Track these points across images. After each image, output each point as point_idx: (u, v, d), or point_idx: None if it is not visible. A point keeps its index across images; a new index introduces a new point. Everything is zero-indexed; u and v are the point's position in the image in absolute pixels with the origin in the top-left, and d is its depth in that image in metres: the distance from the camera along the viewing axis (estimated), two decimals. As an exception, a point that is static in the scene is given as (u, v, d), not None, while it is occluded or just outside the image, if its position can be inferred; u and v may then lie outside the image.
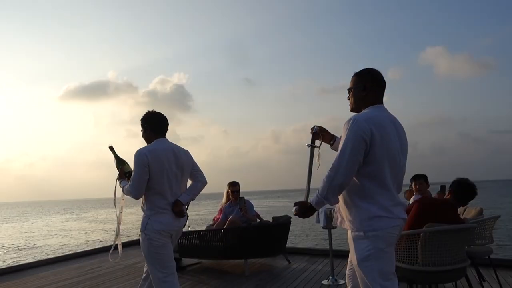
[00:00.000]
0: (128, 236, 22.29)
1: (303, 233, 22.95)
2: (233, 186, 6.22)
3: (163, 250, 3.04)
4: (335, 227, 4.95)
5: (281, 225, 6.07)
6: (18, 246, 23.27)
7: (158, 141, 3.11)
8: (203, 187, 3.35)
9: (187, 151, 3.24)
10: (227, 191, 6.43)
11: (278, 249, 6.06)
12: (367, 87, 2.39)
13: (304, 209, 2.34)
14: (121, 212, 3.24)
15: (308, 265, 6.01)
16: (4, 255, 20.14)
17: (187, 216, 3.29)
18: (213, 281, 5.26)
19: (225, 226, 5.84)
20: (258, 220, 6.25)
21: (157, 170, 2.97)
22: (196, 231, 6.01)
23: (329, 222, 4.87)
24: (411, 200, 4.62)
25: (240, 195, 6.20)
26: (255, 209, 6.48)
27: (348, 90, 2.50)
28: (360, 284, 2.31)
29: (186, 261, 6.36)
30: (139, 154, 2.97)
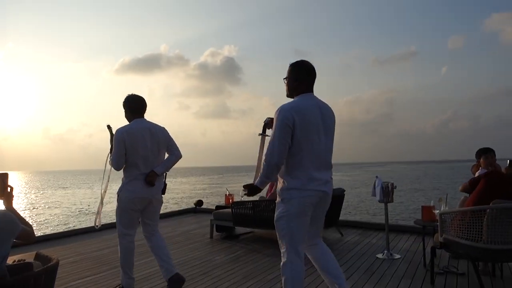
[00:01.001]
0: (186, 204, 23.14)
1: (355, 207, 22.70)
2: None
3: (128, 215, 3.66)
4: (391, 201, 4.83)
5: (335, 197, 5.98)
6: (85, 210, 24.97)
7: (136, 121, 3.63)
8: (177, 160, 3.82)
9: (163, 128, 3.73)
10: None
11: (331, 222, 6.01)
12: (299, 78, 2.79)
13: (252, 189, 2.83)
14: (108, 181, 3.83)
15: (362, 239, 5.94)
16: (73, 218, 21.71)
17: (165, 185, 3.81)
18: (266, 250, 5.34)
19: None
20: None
21: (132, 146, 3.51)
22: (249, 201, 6.09)
23: (385, 195, 4.74)
24: (476, 174, 4.36)
25: None
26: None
27: (283, 79, 2.88)
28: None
29: (239, 230, 6.50)
30: (117, 133, 3.53)
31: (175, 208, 18.26)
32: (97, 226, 3.95)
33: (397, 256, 4.84)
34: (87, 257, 5.08)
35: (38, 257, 1.89)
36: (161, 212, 10.72)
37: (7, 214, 1.76)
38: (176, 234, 6.54)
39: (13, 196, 1.97)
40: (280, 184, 2.76)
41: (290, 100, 2.82)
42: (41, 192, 50.41)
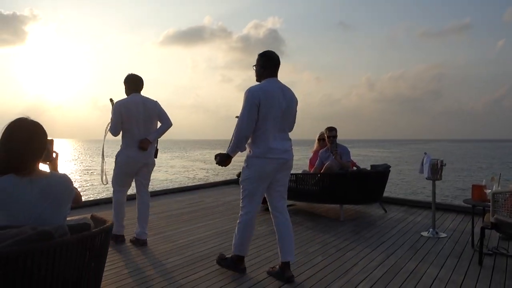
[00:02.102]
0: (229, 175, 23.52)
1: (396, 184, 22.24)
2: (330, 131, 6.12)
3: (123, 175, 4.34)
4: (440, 179, 4.67)
5: (380, 173, 5.88)
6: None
7: (133, 95, 4.26)
8: (168, 128, 4.40)
9: (156, 102, 4.32)
10: (319, 139, 6.41)
11: (375, 198, 5.93)
12: (265, 66, 3.32)
13: (223, 158, 3.32)
14: (103, 144, 4.49)
15: (406, 216, 5.82)
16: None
17: (157, 150, 4.45)
18: (308, 223, 5.36)
19: (321, 171, 5.84)
20: (355, 168, 6.12)
21: (127, 117, 4.14)
22: (292, 174, 6.10)
23: (434, 173, 4.58)
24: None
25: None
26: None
27: (253, 66, 3.40)
28: None
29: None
30: (115, 105, 4.18)
31: (218, 179, 18.63)
32: (105, 183, 4.50)
33: (443, 235, 4.71)
34: (134, 222, 5.30)
35: (93, 218, 1.99)
36: (204, 182, 10.94)
37: (66, 178, 1.86)
38: (219, 204, 6.68)
39: (57, 161, 2.05)
40: (246, 152, 3.34)
41: (258, 83, 3.35)
42: (90, 159, 52.87)
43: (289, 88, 3.36)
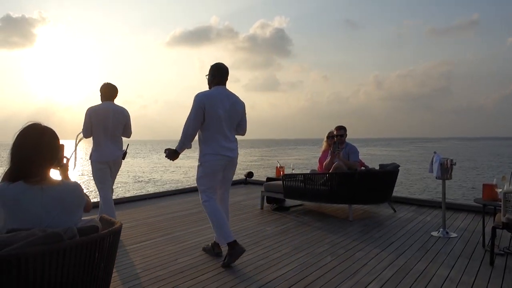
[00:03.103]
0: (237, 176, 23.49)
1: (408, 183, 22.09)
2: (338, 130, 6.10)
3: (100, 172, 4.63)
4: (450, 178, 4.63)
5: (389, 172, 5.85)
6: (140, 178, 26.14)
7: (104, 103, 4.68)
8: (127, 138, 4.90)
9: (124, 110, 4.77)
10: (328, 138, 6.40)
11: (384, 197, 5.89)
12: (214, 75, 3.83)
13: (171, 152, 3.85)
14: (77, 144, 4.67)
15: (415, 215, 5.78)
16: (129, 186, 22.82)
17: (125, 153, 4.82)
18: (317, 223, 5.34)
19: (330, 171, 5.82)
20: (363, 168, 6.09)
21: (96, 121, 4.57)
22: (301, 174, 6.08)
23: (444, 172, 4.54)
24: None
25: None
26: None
27: (206, 75, 3.90)
28: None
29: (290, 202, 6.53)
30: (87, 111, 4.60)
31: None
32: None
33: (454, 235, 4.67)
34: (143, 223, 5.33)
35: (102, 220, 1.99)
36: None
37: (77, 186, 1.86)
38: (227, 204, 6.69)
39: (68, 167, 2.04)
40: (198, 151, 3.82)
41: (206, 90, 3.85)
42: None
43: (235, 95, 3.88)
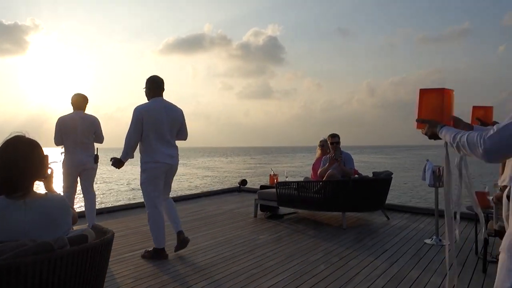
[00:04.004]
0: (230, 183, 23.45)
1: (401, 191, 22.18)
2: (332, 138, 6.12)
3: (71, 176, 4.92)
4: (442, 186, 4.65)
5: (382, 180, 5.87)
6: (135, 187, 26.00)
7: (74, 112, 4.98)
8: (100, 143, 5.16)
9: (94, 119, 5.04)
10: (321, 145, 6.42)
11: (377, 205, 5.90)
12: (151, 87, 4.15)
13: (116, 161, 4.11)
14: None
15: (409, 223, 5.79)
16: (124, 194, 22.68)
17: (96, 156, 5.06)
18: (311, 231, 5.33)
19: (323, 179, 5.82)
20: (356, 176, 6.11)
21: (66, 130, 4.83)
22: (294, 181, 6.08)
23: (436, 180, 4.57)
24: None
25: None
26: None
27: (143, 88, 4.19)
28: None
29: (283, 210, 6.52)
30: (57, 121, 4.89)
31: (220, 187, 18.60)
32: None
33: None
34: (137, 231, 5.29)
35: (94, 229, 1.98)
36: (206, 190, 10.92)
37: (62, 200, 1.81)
38: (220, 213, 6.66)
39: (52, 178, 1.97)
40: (141, 159, 4.10)
41: (144, 102, 4.16)
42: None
43: (172, 104, 4.20)
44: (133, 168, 47.49)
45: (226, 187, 10.23)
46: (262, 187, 7.00)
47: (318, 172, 6.09)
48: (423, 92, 1.89)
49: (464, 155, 1.57)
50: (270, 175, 7.41)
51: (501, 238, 3.64)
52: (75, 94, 5.05)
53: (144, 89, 4.18)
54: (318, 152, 6.53)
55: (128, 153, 4.08)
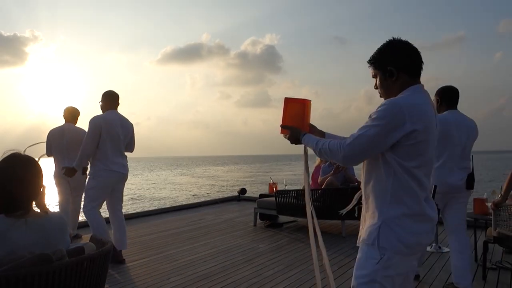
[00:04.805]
0: (230, 192, 23.40)
1: (401, 198, 22.10)
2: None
3: (61, 186, 5.20)
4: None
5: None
6: (135, 196, 25.94)
7: (64, 124, 5.30)
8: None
9: (81, 131, 5.14)
10: None
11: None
12: (106, 101, 4.39)
13: (69, 170, 4.30)
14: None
15: (408, 231, 5.77)
16: (123, 204, 22.61)
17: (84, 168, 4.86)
18: (310, 239, 5.31)
19: (322, 187, 5.82)
20: (356, 183, 6.11)
21: (55, 144, 5.16)
22: (293, 190, 6.08)
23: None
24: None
25: None
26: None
27: (99, 102, 4.43)
28: None
29: (283, 218, 6.51)
30: (48, 133, 5.20)
31: (219, 196, 18.56)
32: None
33: (446, 249, 4.68)
34: (136, 241, 5.28)
35: (93, 239, 1.98)
36: (205, 199, 10.88)
37: (62, 220, 1.79)
38: (219, 222, 6.65)
39: (45, 194, 1.92)
40: (93, 166, 4.26)
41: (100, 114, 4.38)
42: (92, 178, 52.72)
43: (125, 117, 4.46)
44: (132, 179, 47.46)
45: (225, 196, 10.22)
46: (262, 195, 7.00)
47: (319, 180, 6.10)
48: (288, 101, 2.04)
49: (325, 158, 1.89)
50: (269, 183, 7.41)
51: (500, 245, 3.66)
52: (66, 108, 5.38)
53: (100, 103, 4.42)
54: (317, 160, 6.54)
55: (82, 161, 4.26)
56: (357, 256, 1.74)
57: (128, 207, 20.92)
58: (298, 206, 5.85)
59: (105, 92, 4.43)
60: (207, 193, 28.34)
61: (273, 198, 6.15)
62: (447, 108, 3.41)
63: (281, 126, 2.02)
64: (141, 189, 32.32)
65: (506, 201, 3.52)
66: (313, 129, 2.08)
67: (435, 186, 3.21)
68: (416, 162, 1.64)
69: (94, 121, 4.21)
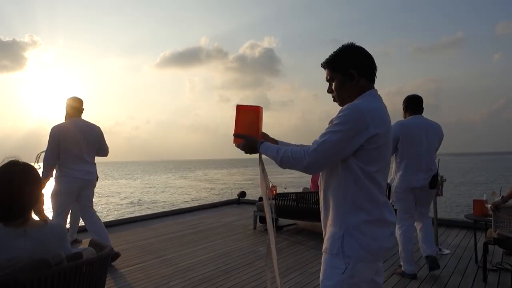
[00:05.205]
0: (229, 195, 23.38)
1: (400, 200, 22.06)
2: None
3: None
4: (441, 195, 4.65)
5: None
6: (133, 200, 25.90)
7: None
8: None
9: (100, 131, 4.74)
10: None
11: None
12: (68, 109, 4.45)
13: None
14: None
15: (408, 233, 5.77)
16: (122, 207, 22.57)
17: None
18: (310, 241, 5.32)
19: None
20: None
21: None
22: (293, 193, 6.08)
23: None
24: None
25: None
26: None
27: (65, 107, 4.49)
28: None
29: (283, 221, 6.50)
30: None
31: (218, 199, 18.55)
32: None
33: (446, 252, 4.67)
34: (135, 246, 5.26)
35: (92, 244, 1.97)
36: (204, 203, 10.87)
37: (61, 229, 1.77)
38: (219, 225, 6.64)
39: (43, 202, 1.91)
40: (57, 172, 4.30)
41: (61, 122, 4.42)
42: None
43: (90, 123, 4.50)
44: (131, 182, 47.43)
45: (225, 199, 10.21)
46: (261, 198, 6.99)
47: (318, 183, 6.09)
48: (240, 109, 1.93)
49: (286, 167, 1.74)
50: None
51: (500, 246, 3.65)
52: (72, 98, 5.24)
53: (67, 109, 4.48)
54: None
55: (47, 171, 4.26)
56: (322, 267, 1.73)
57: (127, 211, 20.88)
58: (297, 209, 5.84)
59: (67, 100, 4.49)
60: (206, 197, 28.31)
61: (273, 201, 6.14)
62: (412, 114, 3.91)
63: (234, 135, 1.93)
64: (142, 193, 32.28)
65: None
66: (266, 138, 2.00)
67: (389, 186, 4.06)
68: (377, 166, 1.64)
69: (51, 132, 4.31)
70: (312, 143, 1.65)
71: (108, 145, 4.77)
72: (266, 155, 1.84)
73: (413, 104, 3.91)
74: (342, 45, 1.79)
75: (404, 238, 3.87)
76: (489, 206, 4.08)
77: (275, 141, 2.01)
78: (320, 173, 1.81)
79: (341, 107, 1.71)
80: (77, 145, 4.33)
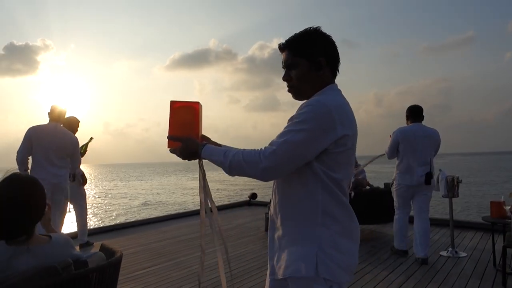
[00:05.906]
0: (240, 197, 23.36)
1: (413, 201, 21.83)
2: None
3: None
4: (457, 196, 4.56)
5: (390, 191, 5.76)
6: (145, 201, 26.03)
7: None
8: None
9: (74, 139, 4.88)
10: None
11: (390, 216, 5.78)
12: (50, 114, 4.58)
13: None
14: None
15: (423, 235, 5.66)
16: (133, 210, 22.70)
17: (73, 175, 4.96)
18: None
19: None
20: (368, 187, 6.02)
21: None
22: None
23: (450, 190, 4.47)
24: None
25: None
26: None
27: (48, 113, 4.63)
28: None
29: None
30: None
31: (229, 201, 18.54)
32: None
33: (463, 254, 4.56)
34: (147, 248, 5.24)
35: (102, 248, 1.94)
36: (216, 205, 10.87)
37: (68, 243, 1.69)
38: (230, 228, 6.59)
39: (50, 215, 1.82)
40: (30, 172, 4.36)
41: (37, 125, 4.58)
42: (104, 183, 53.27)
43: (66, 130, 4.70)
44: (142, 184, 47.72)
45: (236, 201, 10.17)
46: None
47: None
48: (175, 105, 1.63)
49: (236, 174, 1.45)
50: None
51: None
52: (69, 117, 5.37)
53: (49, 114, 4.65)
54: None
55: (20, 168, 4.41)
56: None
57: (139, 214, 20.99)
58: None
59: (52, 106, 4.64)
60: (217, 198, 28.34)
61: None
62: (413, 121, 4.55)
63: (169, 137, 1.61)
64: (153, 194, 32.43)
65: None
66: (207, 141, 1.66)
67: (392, 183, 4.81)
68: (343, 172, 1.43)
69: (27, 132, 4.48)
70: (269, 144, 1.40)
71: (81, 158, 5.06)
72: (211, 161, 1.52)
73: (414, 113, 4.55)
74: (309, 28, 1.52)
75: (399, 221, 4.66)
76: (507, 208, 3.97)
77: (218, 145, 1.65)
78: (274, 182, 1.55)
79: (298, 101, 1.50)
80: (47, 148, 4.47)
